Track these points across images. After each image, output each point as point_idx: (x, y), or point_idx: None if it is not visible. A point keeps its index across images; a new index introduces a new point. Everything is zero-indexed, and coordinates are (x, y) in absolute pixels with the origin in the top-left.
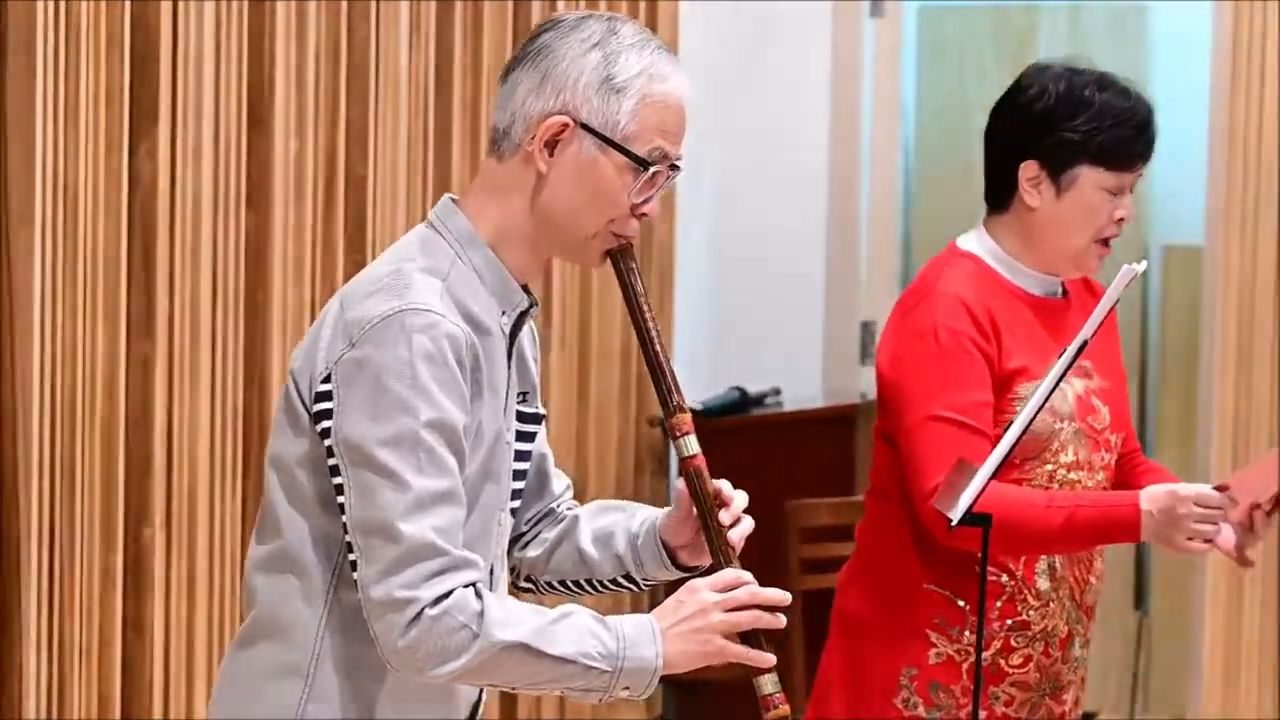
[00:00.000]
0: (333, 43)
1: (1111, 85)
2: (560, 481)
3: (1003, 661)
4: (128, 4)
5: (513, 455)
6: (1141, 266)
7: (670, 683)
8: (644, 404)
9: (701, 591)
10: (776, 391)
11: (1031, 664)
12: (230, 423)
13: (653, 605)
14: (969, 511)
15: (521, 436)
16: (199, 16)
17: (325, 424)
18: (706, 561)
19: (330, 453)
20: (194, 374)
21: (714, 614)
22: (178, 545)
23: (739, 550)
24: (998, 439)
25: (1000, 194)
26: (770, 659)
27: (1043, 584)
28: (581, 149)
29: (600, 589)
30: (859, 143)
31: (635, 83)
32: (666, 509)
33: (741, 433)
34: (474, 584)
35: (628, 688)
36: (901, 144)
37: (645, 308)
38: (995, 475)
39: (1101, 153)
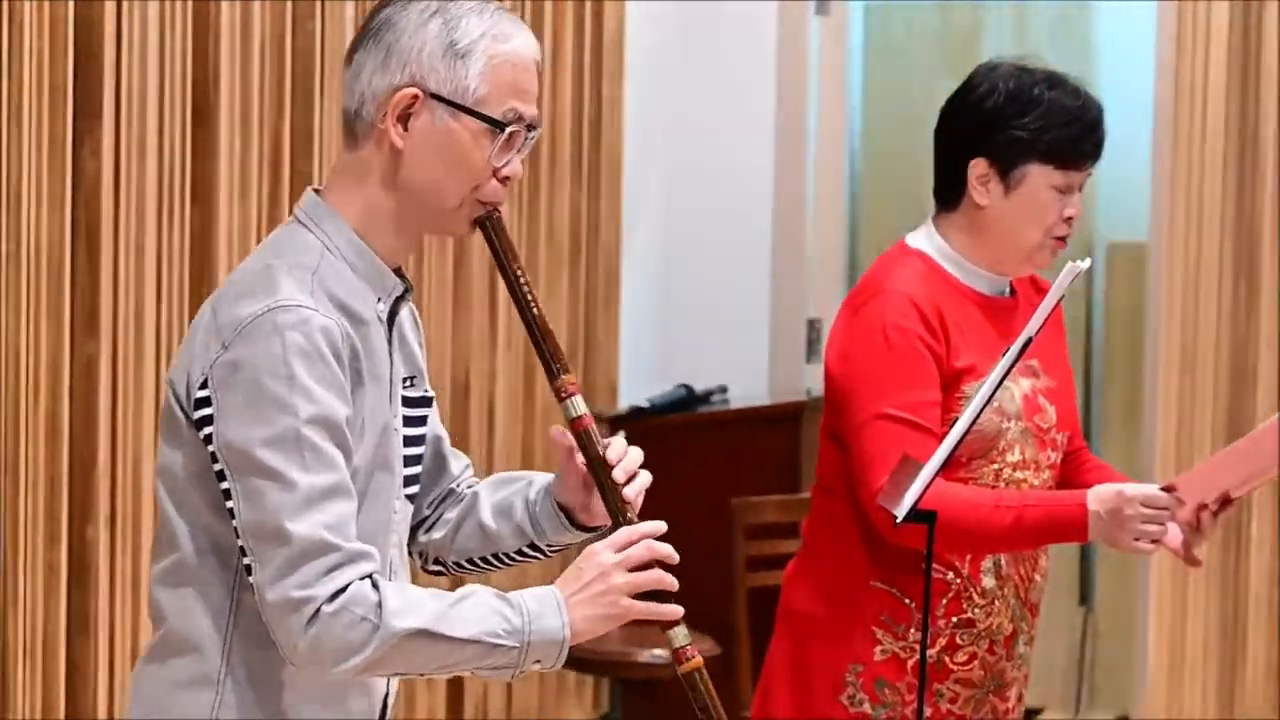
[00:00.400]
0: (277, 39)
1: (1061, 84)
2: (459, 461)
3: (948, 659)
4: (71, 2)
5: (403, 441)
6: (1085, 264)
7: (617, 679)
8: (590, 402)
9: (600, 554)
10: (723, 389)
11: (976, 661)
12: None
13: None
14: (913, 508)
15: (411, 421)
16: (143, 13)
17: (207, 430)
18: (607, 521)
19: (214, 459)
20: (138, 371)
21: (615, 575)
22: (122, 544)
23: (638, 506)
24: (944, 438)
25: (950, 192)
26: (678, 610)
27: (988, 582)
28: (434, 119)
29: (509, 562)
30: (804, 141)
31: (479, 45)
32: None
33: (688, 430)
34: (370, 575)
35: (538, 661)
36: (847, 142)
37: (519, 273)
38: (940, 473)
39: (1051, 151)
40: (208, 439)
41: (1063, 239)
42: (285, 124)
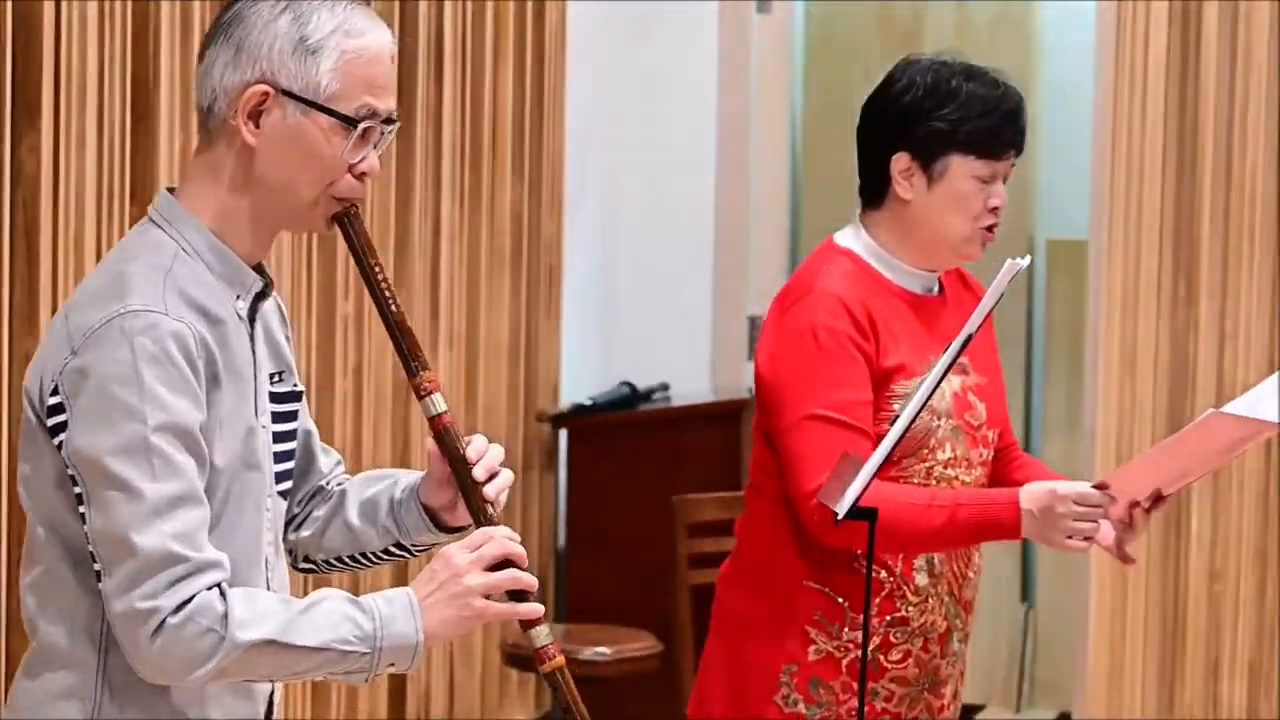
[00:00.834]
0: None
1: (979, 76)
2: (329, 458)
3: (882, 657)
4: (9, 1)
5: (271, 438)
6: (1025, 261)
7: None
8: (532, 400)
9: (454, 555)
10: (665, 387)
11: (911, 659)
12: None
13: None
14: (854, 506)
15: (280, 417)
16: (82, 11)
17: (59, 438)
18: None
19: (67, 466)
20: None
21: (469, 576)
22: None
23: (500, 505)
24: (877, 437)
25: (874, 189)
26: (538, 609)
27: (921, 580)
28: (286, 116)
29: (376, 561)
30: (746, 138)
31: (330, 41)
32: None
33: (630, 428)
34: (218, 585)
35: (393, 664)
36: (788, 139)
37: (377, 269)
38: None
39: (971, 141)
40: (60, 447)
41: (990, 230)
42: None
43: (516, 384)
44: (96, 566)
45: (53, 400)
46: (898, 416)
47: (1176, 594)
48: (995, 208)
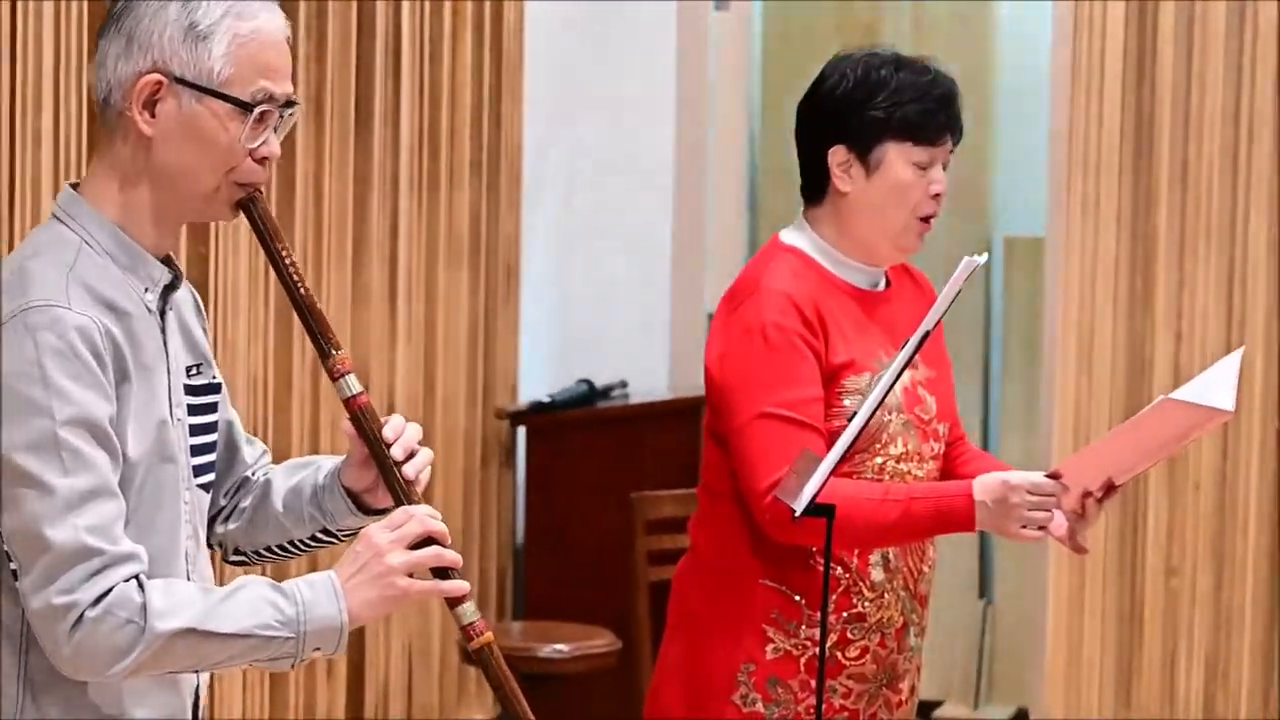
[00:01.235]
0: None
1: (909, 64)
2: (253, 449)
3: (839, 654)
4: None
5: (190, 430)
6: (982, 258)
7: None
8: (490, 396)
9: (374, 535)
10: (623, 384)
11: (868, 655)
12: None
13: None
14: (812, 502)
15: (198, 410)
16: (38, 11)
17: None
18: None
19: None
20: None
21: (391, 555)
22: None
23: (422, 484)
24: (828, 433)
25: (815, 186)
26: (463, 586)
27: (877, 575)
28: (181, 104)
29: (304, 549)
30: (704, 135)
31: (221, 26)
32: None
33: (589, 425)
34: (136, 577)
35: (318, 648)
36: (746, 136)
37: (284, 253)
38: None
39: (905, 127)
40: None
41: (927, 220)
42: None
43: (475, 381)
44: (12, 565)
45: None
46: (851, 413)
47: (1134, 589)
48: (937, 194)
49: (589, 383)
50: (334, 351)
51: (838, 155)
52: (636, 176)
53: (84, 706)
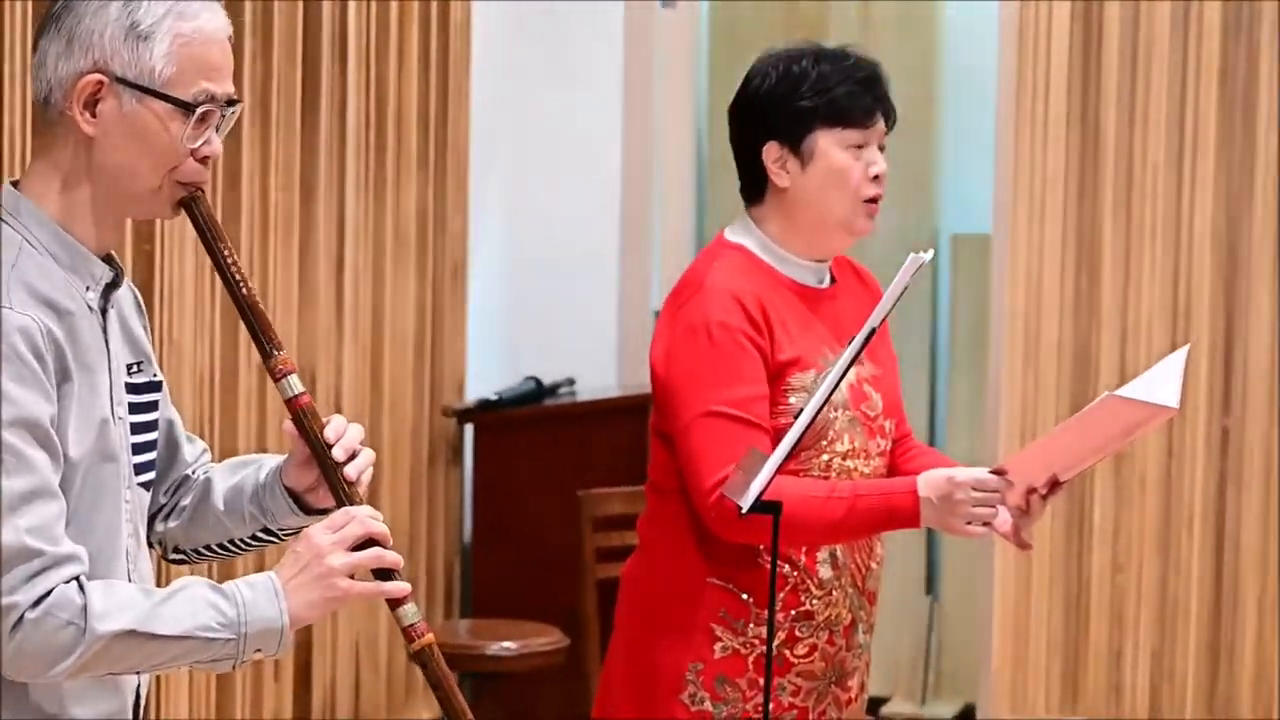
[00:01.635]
0: None
1: (829, 54)
2: (194, 447)
3: (788, 652)
4: None
5: (131, 429)
6: (928, 255)
7: (466, 674)
8: (437, 394)
9: (316, 536)
10: (571, 381)
11: (817, 653)
12: None
13: None
14: (758, 499)
15: (139, 408)
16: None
17: None
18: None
19: None
20: None
21: (331, 556)
22: None
23: (364, 484)
24: (774, 431)
25: (754, 185)
26: (405, 588)
27: (825, 572)
28: (122, 104)
29: (245, 548)
30: (652, 133)
31: (162, 25)
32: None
33: (536, 423)
34: (77, 578)
35: (259, 650)
36: (694, 134)
37: (226, 252)
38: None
39: (832, 112)
40: None
41: (873, 201)
42: None
43: (422, 379)
44: None
45: None
46: (797, 410)
47: (1080, 585)
48: (877, 175)
49: (536, 380)
50: (276, 352)
51: (771, 152)
52: (583, 175)
53: (25, 707)
